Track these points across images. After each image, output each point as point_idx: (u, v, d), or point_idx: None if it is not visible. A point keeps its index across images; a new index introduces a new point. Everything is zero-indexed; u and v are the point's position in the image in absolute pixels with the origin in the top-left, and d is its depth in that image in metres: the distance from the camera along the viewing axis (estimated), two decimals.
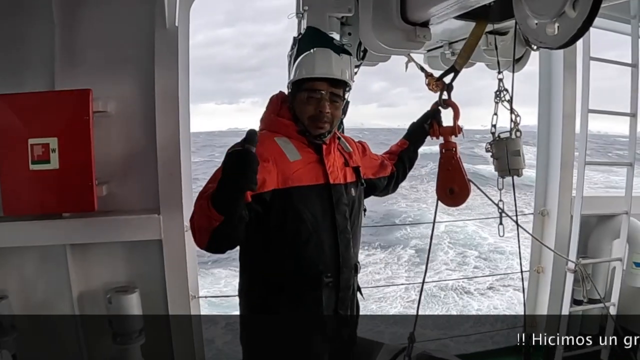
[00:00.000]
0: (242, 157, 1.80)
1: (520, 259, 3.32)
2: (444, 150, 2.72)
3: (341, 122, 2.50)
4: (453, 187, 2.70)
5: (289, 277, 2.17)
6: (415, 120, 2.83)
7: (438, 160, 2.74)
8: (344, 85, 2.23)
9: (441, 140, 2.73)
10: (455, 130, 2.70)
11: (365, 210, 2.42)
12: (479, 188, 2.75)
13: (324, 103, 2.18)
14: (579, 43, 3.46)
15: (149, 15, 3.53)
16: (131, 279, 3.70)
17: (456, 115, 2.71)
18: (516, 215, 2.97)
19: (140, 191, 3.66)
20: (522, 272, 3.42)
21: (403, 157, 2.73)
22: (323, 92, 2.18)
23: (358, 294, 2.39)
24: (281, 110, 2.27)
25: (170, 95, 3.57)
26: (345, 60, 2.24)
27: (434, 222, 3.01)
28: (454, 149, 2.70)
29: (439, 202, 2.79)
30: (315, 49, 2.23)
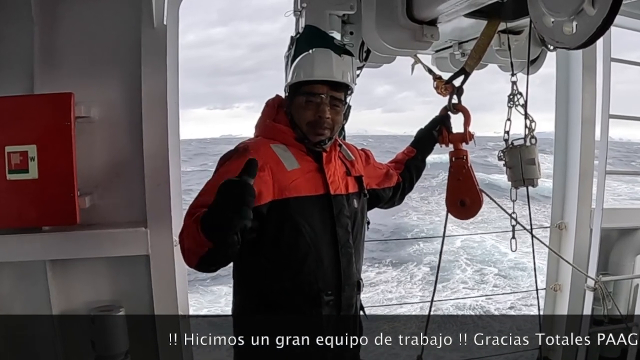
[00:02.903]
0: (237, 189, 1.71)
1: (535, 277, 3.31)
2: (454, 159, 2.70)
3: (342, 128, 2.49)
4: (464, 198, 2.69)
5: (286, 295, 2.15)
6: (422, 126, 2.82)
7: (448, 170, 2.73)
8: (346, 88, 2.22)
9: (451, 147, 2.73)
10: (466, 137, 2.69)
11: (368, 223, 2.40)
12: (492, 199, 2.74)
13: (323, 108, 2.16)
14: (599, 43, 3.46)
15: (135, 13, 3.52)
16: (116, 298, 3.67)
17: (467, 121, 2.71)
18: (531, 228, 2.96)
19: (125, 203, 3.63)
20: (537, 289, 3.41)
21: (410, 166, 2.72)
22: (323, 95, 2.16)
23: (361, 314, 2.38)
24: (278, 115, 2.26)
25: (158, 99, 3.55)
26: (347, 61, 2.23)
27: (443, 236, 3.01)
28: (464, 157, 2.69)
29: (450, 215, 2.79)
30: (314, 49, 2.21)
